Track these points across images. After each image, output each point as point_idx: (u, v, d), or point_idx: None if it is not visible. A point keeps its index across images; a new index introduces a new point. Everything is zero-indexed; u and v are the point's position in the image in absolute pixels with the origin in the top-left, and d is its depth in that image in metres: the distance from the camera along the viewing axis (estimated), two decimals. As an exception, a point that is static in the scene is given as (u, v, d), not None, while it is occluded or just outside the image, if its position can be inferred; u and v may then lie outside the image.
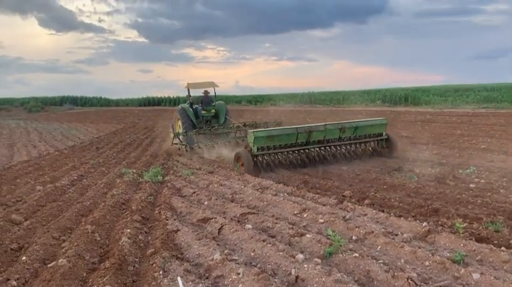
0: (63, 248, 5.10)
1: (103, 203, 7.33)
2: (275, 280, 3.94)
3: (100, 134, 24.09)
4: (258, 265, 4.36)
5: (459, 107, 29.59)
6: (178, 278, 3.95)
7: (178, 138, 14.10)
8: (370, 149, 11.32)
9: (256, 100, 53.52)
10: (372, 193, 7.23)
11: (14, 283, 4.10)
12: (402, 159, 10.75)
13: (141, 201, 7.35)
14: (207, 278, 4.16)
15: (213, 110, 15.58)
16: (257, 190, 7.87)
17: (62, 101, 64.62)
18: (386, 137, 11.41)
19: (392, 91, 39.59)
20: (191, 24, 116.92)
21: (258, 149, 9.91)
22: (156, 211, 6.81)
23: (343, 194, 7.25)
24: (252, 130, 10.59)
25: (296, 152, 10.43)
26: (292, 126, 10.89)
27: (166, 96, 60.26)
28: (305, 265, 4.04)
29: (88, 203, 7.48)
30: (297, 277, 3.93)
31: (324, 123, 10.92)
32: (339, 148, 10.92)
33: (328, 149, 10.78)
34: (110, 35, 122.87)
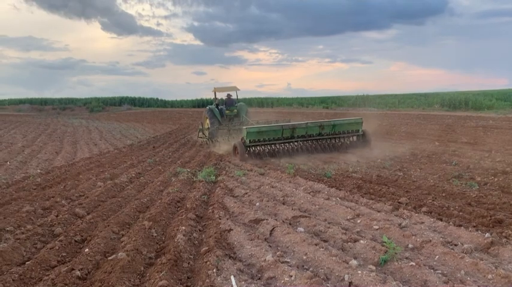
0: (122, 242, 5.33)
1: (159, 201, 7.59)
2: (328, 284, 3.91)
3: (156, 134, 24.95)
4: (311, 269, 4.33)
5: (526, 112, 27.81)
6: (232, 277, 4.01)
7: (203, 133, 17.51)
8: (348, 142, 13.55)
9: (308, 103, 53.21)
10: (430, 201, 6.96)
11: (78, 273, 4.34)
12: (462, 166, 10.26)
13: (195, 200, 7.53)
14: (259, 278, 4.19)
15: (235, 110, 17.97)
16: (309, 193, 7.82)
17: (121, 101, 67.70)
18: (362, 133, 13.68)
19: (451, 95, 37.91)
20: (245, 27, 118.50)
21: (250, 141, 12.47)
22: (210, 210, 6.95)
23: (399, 200, 7.03)
24: (245, 127, 13.04)
25: (282, 144, 12.85)
26: (279, 124, 13.61)
27: (219, 98, 61.26)
28: (359, 271, 3.97)
29: (145, 200, 7.77)
30: (350, 283, 3.87)
31: (306, 122, 13.43)
32: (319, 141, 13.21)
33: (310, 143, 13.06)
34: (167, 39, 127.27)
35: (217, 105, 17.80)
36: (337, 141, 13.46)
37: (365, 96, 46.28)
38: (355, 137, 13.72)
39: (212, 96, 18.96)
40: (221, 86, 19.09)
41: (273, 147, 12.79)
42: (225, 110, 17.72)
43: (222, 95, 18.77)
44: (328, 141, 13.31)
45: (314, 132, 13.11)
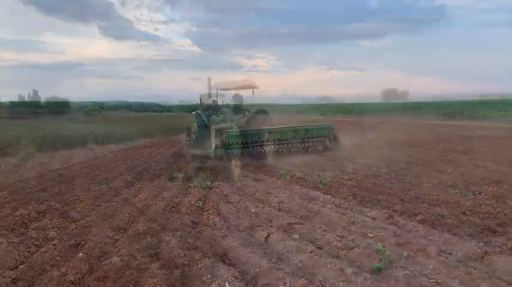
0: (116, 247, 5.31)
1: (154, 206, 7.57)
2: (322, 292, 3.91)
3: (152, 138, 24.88)
4: (305, 276, 4.33)
5: (520, 122, 27.99)
6: (226, 283, 4.00)
7: (190, 136, 18.15)
8: (321, 145, 14.79)
9: (305, 109, 53.39)
10: (424, 209, 6.98)
11: (72, 277, 4.31)
12: (457, 175, 10.30)
13: (190, 205, 7.52)
14: (254, 285, 4.19)
15: (221, 115, 18.56)
16: (304, 200, 7.83)
17: (117, 105, 67.64)
18: (333, 137, 15.04)
19: (446, 104, 38.16)
20: (243, 33, 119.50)
21: (229, 143, 13.43)
22: (205, 216, 6.94)
23: (394, 208, 7.04)
24: (226, 130, 14.13)
25: (260, 147, 13.80)
26: (256, 128, 14.52)
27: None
28: (353, 279, 3.97)
29: (140, 204, 7.74)
30: (344, 291, 3.87)
31: (281, 126, 14.73)
32: (294, 144, 14.25)
33: (285, 145, 14.16)
34: (164, 43, 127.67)
35: (203, 110, 18.51)
36: (310, 144, 14.72)
37: (361, 103, 46.51)
38: (327, 141, 15.02)
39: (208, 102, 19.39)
40: (208, 92, 19.77)
41: (251, 149, 13.82)
42: (211, 115, 18.47)
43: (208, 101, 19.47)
44: (302, 145, 14.51)
45: (289, 136, 14.33)
